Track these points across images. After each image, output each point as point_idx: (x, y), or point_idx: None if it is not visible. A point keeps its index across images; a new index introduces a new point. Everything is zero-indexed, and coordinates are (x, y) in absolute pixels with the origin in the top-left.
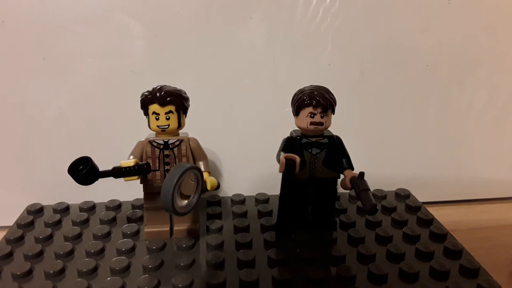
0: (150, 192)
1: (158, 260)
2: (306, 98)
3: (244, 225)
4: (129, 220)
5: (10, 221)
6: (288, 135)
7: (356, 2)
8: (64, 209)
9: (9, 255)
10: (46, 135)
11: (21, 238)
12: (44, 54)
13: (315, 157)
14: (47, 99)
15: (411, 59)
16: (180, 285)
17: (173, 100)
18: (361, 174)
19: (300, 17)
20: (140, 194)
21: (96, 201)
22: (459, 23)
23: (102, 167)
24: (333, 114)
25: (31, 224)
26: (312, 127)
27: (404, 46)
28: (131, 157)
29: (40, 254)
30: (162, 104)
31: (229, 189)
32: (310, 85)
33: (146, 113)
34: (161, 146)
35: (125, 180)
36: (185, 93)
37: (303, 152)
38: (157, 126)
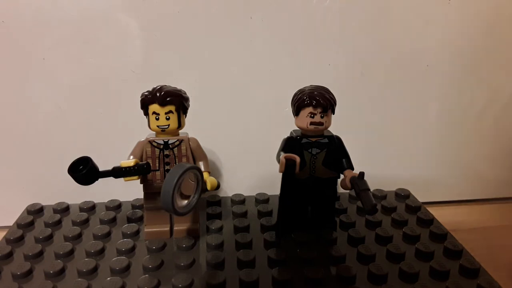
0: (150, 192)
1: (158, 260)
2: (306, 98)
3: (244, 225)
4: (129, 220)
5: (10, 221)
6: (288, 135)
7: (356, 2)
8: (64, 209)
9: (9, 255)
10: (46, 135)
11: (21, 238)
12: (44, 54)
13: (315, 157)
14: (47, 99)
15: (411, 59)
16: (180, 285)
17: (173, 100)
18: (361, 174)
19: (300, 17)
20: (140, 194)
21: (96, 201)
22: (459, 23)
23: (102, 167)
24: (333, 114)
25: (31, 224)
26: (312, 127)
27: (404, 46)
28: (131, 157)
29: (40, 254)
30: (162, 104)
31: (229, 189)
32: (310, 85)
33: (146, 113)
34: (161, 146)
35: (125, 180)
36: (185, 93)
37: (303, 152)
38: (157, 126)
